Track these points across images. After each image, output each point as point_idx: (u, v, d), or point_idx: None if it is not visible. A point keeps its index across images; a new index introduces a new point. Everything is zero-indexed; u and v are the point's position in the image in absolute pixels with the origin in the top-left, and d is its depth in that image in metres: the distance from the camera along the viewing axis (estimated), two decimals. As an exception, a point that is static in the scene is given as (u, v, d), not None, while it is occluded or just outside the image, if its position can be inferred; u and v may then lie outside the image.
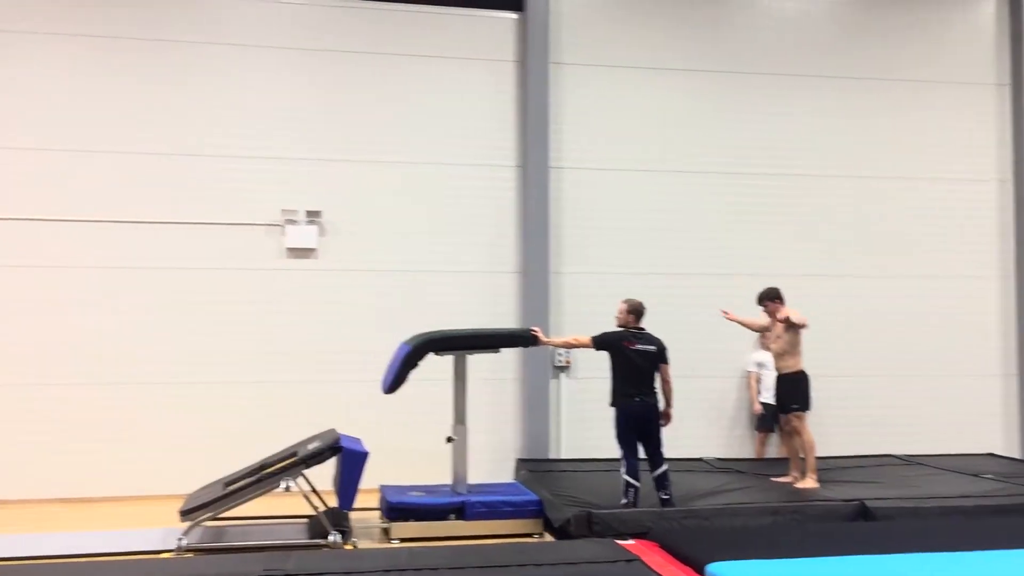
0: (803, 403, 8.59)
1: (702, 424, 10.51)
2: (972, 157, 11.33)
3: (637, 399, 7.59)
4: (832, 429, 10.59)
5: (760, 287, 9.48)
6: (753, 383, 10.35)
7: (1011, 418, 11.18)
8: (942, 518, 7.26)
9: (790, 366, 8.55)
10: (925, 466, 9.53)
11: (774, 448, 10.39)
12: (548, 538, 7.46)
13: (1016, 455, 10.83)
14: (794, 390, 8.58)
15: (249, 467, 7.74)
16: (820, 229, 10.94)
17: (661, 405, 7.79)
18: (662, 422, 7.76)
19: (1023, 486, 8.26)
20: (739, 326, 9.22)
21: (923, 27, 11.31)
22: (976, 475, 8.91)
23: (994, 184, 11.37)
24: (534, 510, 7.68)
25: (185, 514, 7.05)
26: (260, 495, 7.20)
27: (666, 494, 7.52)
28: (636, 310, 7.85)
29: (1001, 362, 11.24)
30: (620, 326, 7.87)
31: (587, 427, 10.33)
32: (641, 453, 7.68)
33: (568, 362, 10.32)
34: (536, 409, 10.10)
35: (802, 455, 8.61)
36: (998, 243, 11.33)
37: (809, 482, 8.41)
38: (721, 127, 10.80)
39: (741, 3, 10.98)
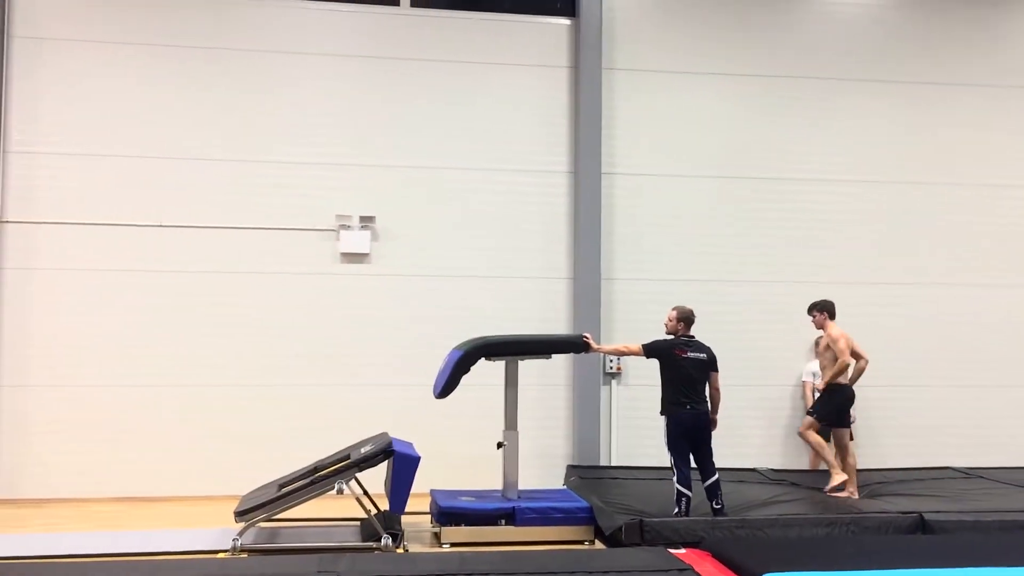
0: (824, 414, 8.62)
1: (756, 434, 10.40)
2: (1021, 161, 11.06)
3: (688, 407, 7.56)
4: (892, 440, 10.47)
5: (812, 294, 9.47)
6: (808, 392, 10.20)
7: (1074, 431, 10.88)
8: (1003, 533, 7.09)
9: (829, 380, 8.56)
10: (986, 479, 9.31)
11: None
12: (599, 546, 7.44)
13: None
14: (827, 401, 8.62)
15: (303, 469, 7.84)
16: (874, 236, 10.76)
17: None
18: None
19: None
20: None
21: (982, 29, 11.08)
22: (1037, 489, 8.68)
23: (1057, 190, 11.09)
24: (585, 517, 7.65)
25: (240, 515, 7.16)
26: (314, 497, 7.28)
27: (718, 504, 7.46)
28: (686, 318, 7.82)
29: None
30: (670, 333, 7.85)
31: (638, 434, 10.29)
32: (692, 463, 7.63)
33: (619, 369, 10.27)
34: (587, 415, 10.07)
35: (823, 465, 8.76)
36: (1060, 251, 11.04)
37: (836, 479, 8.47)
38: (773, 132, 10.68)
39: (793, 8, 10.85)
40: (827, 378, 8.61)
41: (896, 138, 10.88)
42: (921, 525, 7.23)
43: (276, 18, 10.07)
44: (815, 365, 10.09)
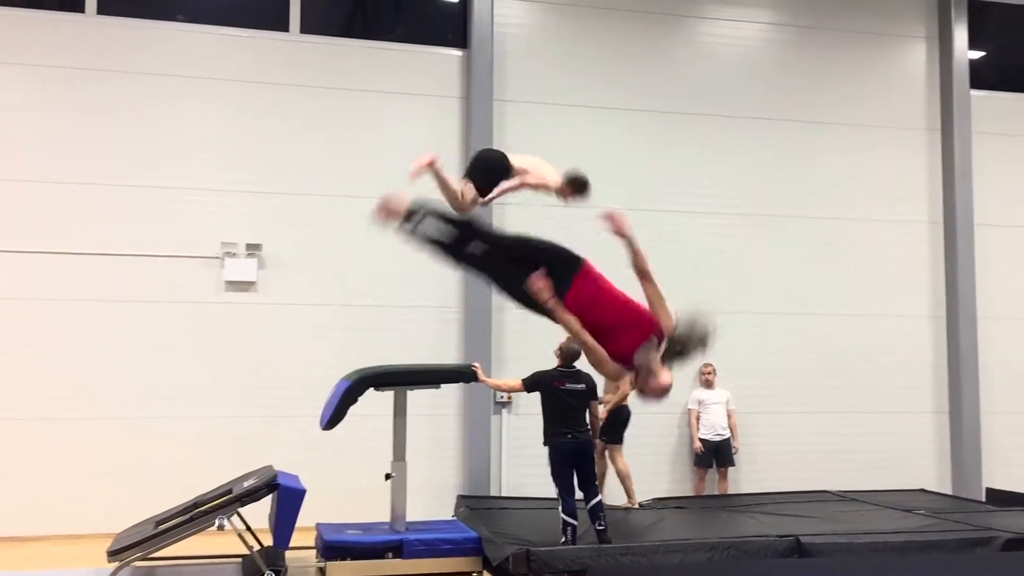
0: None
1: (644, 461, 10.55)
2: (906, 199, 11.67)
3: (569, 436, 7.64)
4: (770, 465, 10.76)
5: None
6: (693, 420, 10.44)
7: (943, 454, 11.42)
8: (874, 554, 7.36)
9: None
10: (859, 502, 9.67)
11: (713, 484, 10.48)
12: (486, 577, 7.41)
13: (947, 491, 11.05)
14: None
15: (182, 505, 7.58)
16: (756, 267, 11.13)
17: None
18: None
19: (953, 522, 8.41)
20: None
21: (860, 72, 11.67)
22: (908, 511, 9.06)
23: (926, 226, 11.69)
24: (473, 548, 7.60)
25: (113, 554, 6.86)
26: (193, 534, 7.03)
27: (601, 525, 7.52)
28: (567, 353, 7.94)
29: (933, 400, 11.50)
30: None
31: (528, 464, 10.29)
32: (578, 492, 7.69)
33: (510, 399, 10.30)
34: (477, 445, 10.06)
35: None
36: (930, 283, 11.63)
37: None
38: (662, 166, 10.97)
39: (685, 45, 11.21)
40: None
41: (776, 173, 11.31)
42: (798, 548, 7.44)
43: (164, 40, 9.85)
44: (701, 393, 10.38)
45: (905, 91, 11.81)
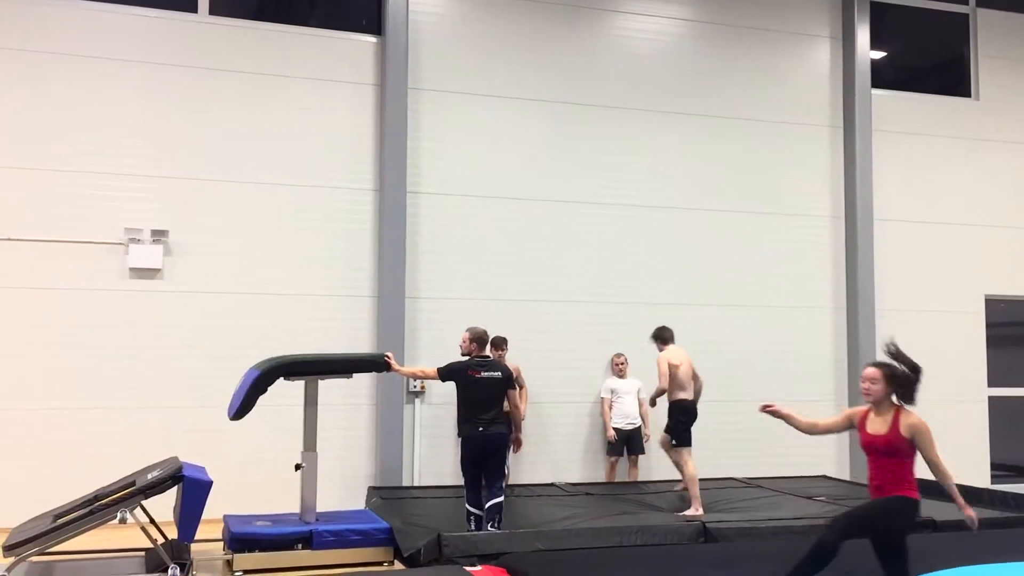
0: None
1: (559, 448, 10.67)
2: (809, 193, 12.02)
3: (480, 428, 7.61)
4: (696, 453, 10.94)
5: (610, 314, 10.20)
6: (606, 409, 10.58)
7: (842, 440, 11.80)
8: (776, 538, 7.60)
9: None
10: (764, 488, 9.97)
11: (623, 472, 10.65)
12: (398, 566, 7.38)
13: (846, 477, 11.45)
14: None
15: (83, 498, 7.34)
16: (665, 259, 11.32)
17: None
18: (512, 448, 7.84)
19: (850, 506, 8.70)
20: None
21: (766, 69, 11.96)
22: (810, 497, 9.38)
23: (829, 220, 12.07)
24: (384, 538, 7.55)
25: (9, 548, 6.60)
26: (94, 527, 6.81)
27: (494, 526, 7.51)
28: (479, 338, 7.89)
29: (834, 387, 11.89)
30: (464, 354, 7.91)
31: (442, 453, 10.33)
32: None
33: (423, 388, 10.28)
34: (390, 435, 10.00)
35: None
36: (831, 275, 12.02)
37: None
38: (577, 157, 11.06)
39: (598, 37, 11.31)
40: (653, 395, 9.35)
41: (685, 166, 11.51)
42: (704, 533, 7.63)
43: (68, 19, 9.49)
44: (613, 382, 10.54)
45: (810, 88, 12.16)
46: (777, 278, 11.76)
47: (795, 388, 11.60)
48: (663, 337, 9.21)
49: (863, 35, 12.17)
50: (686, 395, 8.96)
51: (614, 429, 10.47)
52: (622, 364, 10.59)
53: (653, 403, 9.63)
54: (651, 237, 11.30)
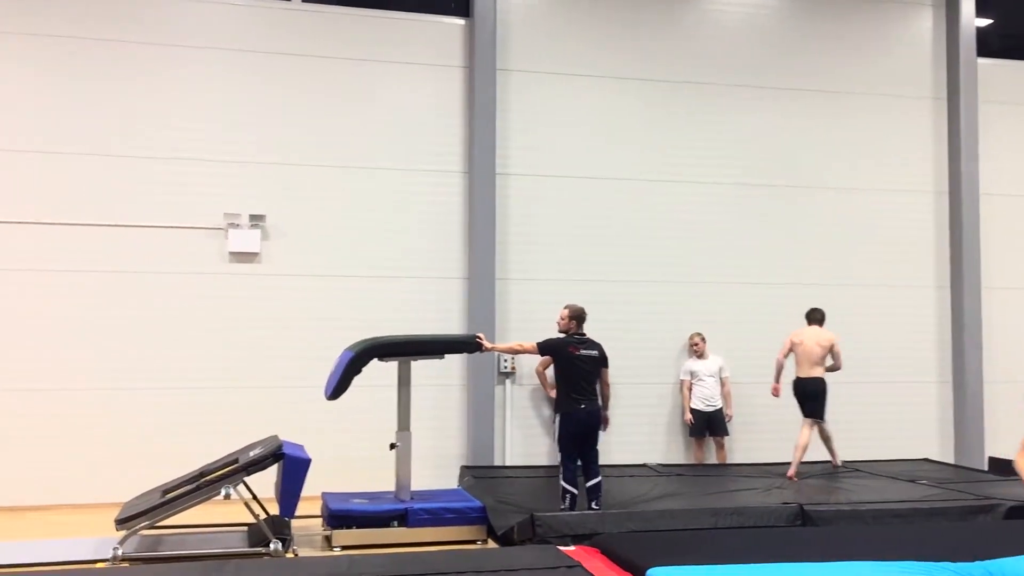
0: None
1: (640, 430, 10.60)
2: (911, 169, 11.60)
3: (583, 405, 7.64)
4: (774, 435, 10.77)
5: (698, 295, 10.57)
6: (686, 391, 10.45)
7: (946, 424, 11.43)
8: (878, 522, 7.40)
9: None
10: (863, 472, 9.70)
11: (711, 454, 10.53)
12: (492, 545, 7.45)
13: (950, 460, 11.08)
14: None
15: (189, 474, 7.61)
16: (760, 238, 11.10)
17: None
18: (601, 428, 7.84)
19: (956, 491, 8.45)
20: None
21: (866, 40, 11.56)
22: (912, 480, 9.10)
23: (931, 196, 11.64)
24: (477, 517, 7.66)
25: (121, 522, 6.90)
26: (199, 503, 7.08)
27: (597, 505, 7.56)
28: (578, 315, 7.91)
29: (937, 370, 11.50)
30: (562, 332, 7.92)
31: (532, 433, 10.37)
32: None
33: (514, 368, 10.32)
34: (481, 415, 10.08)
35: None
36: (934, 253, 11.60)
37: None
38: (665, 135, 10.91)
39: (687, 14, 11.11)
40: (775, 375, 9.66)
41: (786, 142, 11.24)
42: (801, 515, 7.47)
43: (167, 10, 9.77)
44: (693, 364, 10.41)
45: (911, 59, 11.71)
46: (876, 256, 11.41)
47: (897, 370, 11.28)
48: (808, 317, 9.81)
49: (968, 2, 11.64)
50: (799, 372, 9.54)
51: (693, 411, 10.34)
52: (698, 344, 10.42)
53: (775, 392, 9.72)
54: (740, 215, 11.08)
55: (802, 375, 9.56)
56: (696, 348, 10.43)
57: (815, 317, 9.76)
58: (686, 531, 7.01)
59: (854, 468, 9.89)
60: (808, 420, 9.53)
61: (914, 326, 11.47)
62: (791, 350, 9.64)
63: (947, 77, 11.72)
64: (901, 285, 11.47)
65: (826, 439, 9.78)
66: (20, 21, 9.39)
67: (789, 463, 9.61)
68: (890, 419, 11.22)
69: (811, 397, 9.50)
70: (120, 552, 6.71)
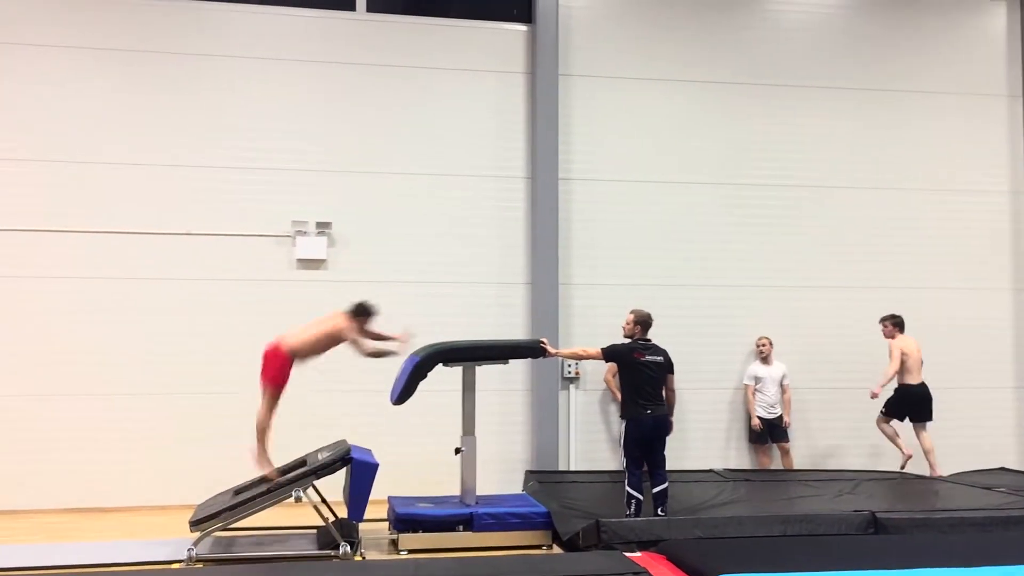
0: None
1: (701, 436, 10.51)
2: (985, 169, 11.31)
3: (648, 411, 7.61)
4: (847, 442, 10.60)
5: (768, 299, 10.19)
6: (750, 396, 10.32)
7: (1022, 432, 11.10)
8: (953, 531, 7.22)
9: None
10: (937, 479, 9.48)
11: (775, 460, 10.39)
12: (556, 550, 7.46)
13: (1029, 468, 10.76)
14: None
15: (260, 477, 7.76)
16: (829, 240, 10.92)
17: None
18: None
19: (1034, 499, 8.20)
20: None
21: (935, 38, 11.31)
22: (988, 488, 8.85)
23: (1007, 196, 11.33)
24: (542, 522, 7.67)
25: (195, 524, 7.07)
26: (271, 505, 7.23)
27: (662, 512, 7.51)
28: (643, 321, 7.88)
29: (1014, 375, 11.17)
30: (627, 337, 7.90)
31: (597, 438, 10.35)
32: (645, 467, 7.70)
33: (578, 373, 10.32)
34: (545, 420, 10.09)
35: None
36: (1011, 255, 11.28)
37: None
38: (730, 138, 10.81)
39: (750, 14, 11.00)
40: (883, 382, 9.75)
41: (855, 143, 11.05)
42: (874, 523, 7.33)
43: (232, 23, 10.00)
44: (757, 368, 10.28)
45: (983, 56, 11.41)
46: (952, 258, 11.14)
47: (973, 374, 11.00)
48: (902, 325, 9.94)
49: (1043, -3, 11.33)
50: (910, 379, 9.78)
51: (758, 418, 10.22)
52: (765, 346, 10.29)
53: (874, 396, 9.76)
54: (809, 218, 10.91)
55: (914, 382, 9.80)
56: (763, 351, 10.31)
57: (903, 324, 10.00)
58: (754, 538, 6.93)
59: (927, 477, 9.66)
60: (922, 424, 9.85)
61: (989, 330, 11.17)
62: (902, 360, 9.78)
63: (1022, 74, 11.39)
64: (976, 288, 11.18)
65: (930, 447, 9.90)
66: (90, 37, 9.67)
67: (859, 471, 9.43)
68: (966, 427, 10.93)
69: (928, 401, 9.83)
70: (195, 553, 6.88)
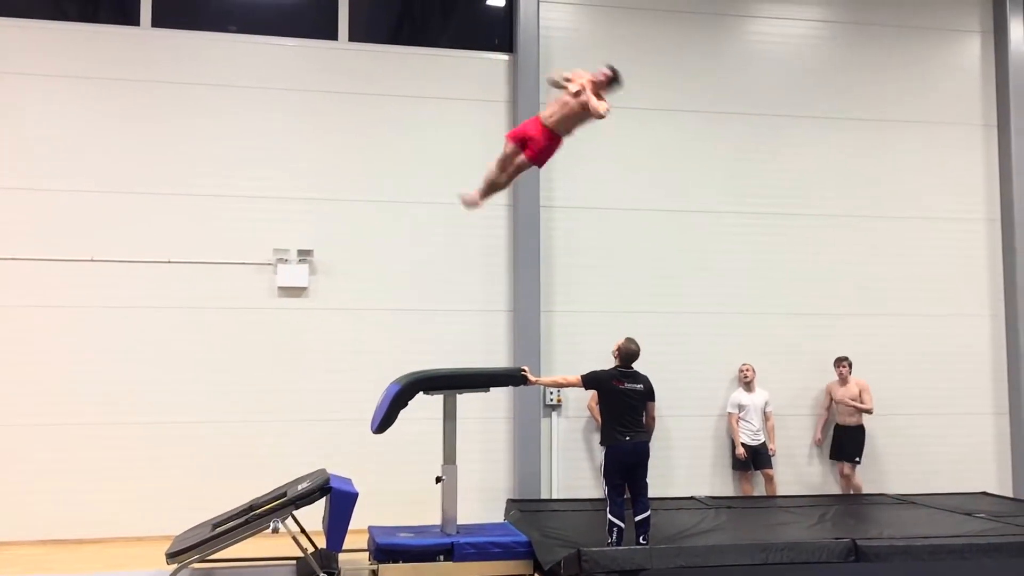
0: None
1: (684, 464, 10.51)
2: (962, 196, 11.45)
3: (627, 438, 7.59)
4: (829, 468, 10.62)
5: (749, 326, 10.16)
6: (734, 424, 10.33)
7: (1003, 456, 11.16)
8: (934, 558, 7.22)
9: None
10: (917, 505, 9.49)
11: (759, 487, 10.39)
12: (538, 580, 7.40)
13: (1008, 494, 10.79)
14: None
15: (238, 508, 7.69)
16: (810, 268, 10.99)
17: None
18: None
19: (1015, 525, 8.22)
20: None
21: (913, 68, 11.47)
22: (968, 514, 8.87)
23: (983, 223, 11.46)
24: (524, 551, 7.60)
25: (172, 556, 6.97)
26: (249, 536, 7.12)
27: (644, 540, 7.47)
28: (625, 351, 7.89)
29: (992, 400, 11.25)
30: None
31: (579, 466, 10.33)
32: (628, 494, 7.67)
33: (560, 400, 10.30)
34: (527, 448, 10.06)
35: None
36: (988, 282, 11.39)
37: None
38: (712, 167, 10.89)
39: (730, 44, 11.12)
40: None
41: (835, 171, 11.16)
42: (854, 551, 7.31)
43: (215, 51, 10.03)
44: (740, 396, 10.30)
45: (960, 86, 11.59)
46: (929, 285, 11.24)
47: (953, 401, 11.05)
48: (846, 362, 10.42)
49: (1017, 28, 11.53)
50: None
51: (742, 445, 10.23)
52: (748, 373, 10.33)
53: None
54: (791, 245, 10.99)
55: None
56: (746, 377, 10.34)
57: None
58: (736, 566, 6.91)
59: (909, 501, 9.68)
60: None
61: (968, 357, 11.25)
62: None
63: (997, 104, 11.57)
64: (955, 314, 11.28)
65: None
66: (68, 65, 9.68)
67: (842, 495, 9.44)
68: (946, 452, 10.98)
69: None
70: (171, 585, 6.78)
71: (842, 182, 11.18)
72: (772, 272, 10.90)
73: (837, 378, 10.49)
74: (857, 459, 10.33)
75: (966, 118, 11.55)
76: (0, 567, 8.07)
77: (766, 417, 10.35)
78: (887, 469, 10.72)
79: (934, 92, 11.50)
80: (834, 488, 10.57)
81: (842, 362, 10.45)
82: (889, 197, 11.26)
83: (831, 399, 10.57)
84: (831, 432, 10.62)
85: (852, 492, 10.29)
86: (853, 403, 10.31)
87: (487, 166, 7.32)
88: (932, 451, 10.94)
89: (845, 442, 10.40)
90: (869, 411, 10.31)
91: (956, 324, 11.25)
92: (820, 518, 8.70)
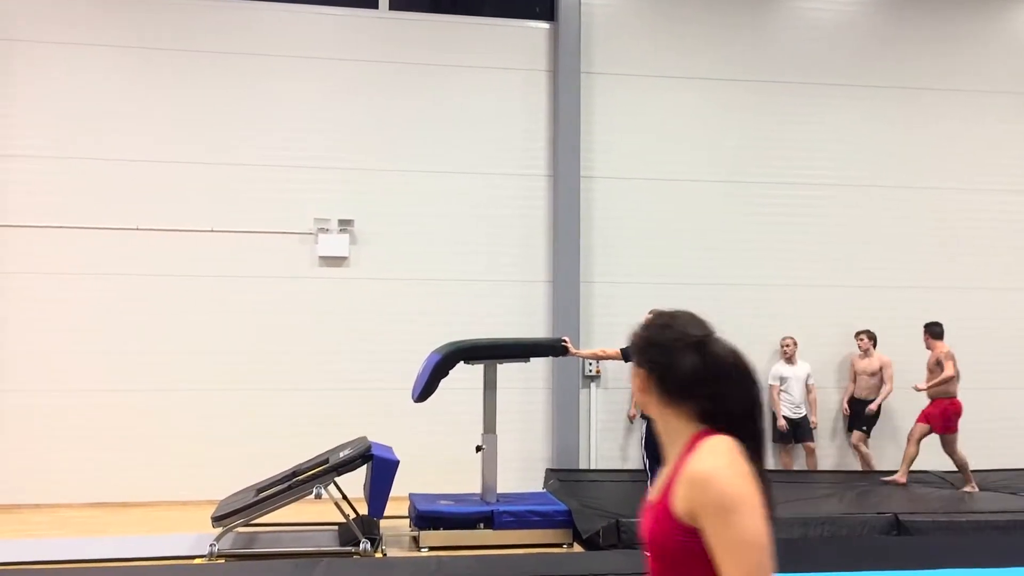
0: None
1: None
2: (1016, 167, 11.15)
3: (668, 409, 7.57)
4: (874, 443, 10.50)
5: (790, 298, 9.90)
6: (775, 396, 10.24)
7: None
8: (976, 534, 7.16)
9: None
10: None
11: (799, 460, 10.32)
12: (577, 549, 7.45)
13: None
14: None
15: (281, 474, 7.82)
16: (854, 239, 10.82)
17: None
18: None
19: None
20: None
21: (961, 36, 11.17)
22: (1015, 492, 8.77)
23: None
24: (563, 520, 7.66)
25: (217, 520, 7.12)
26: (292, 502, 7.27)
27: None
28: None
29: (1032, 376, 11.04)
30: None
31: (618, 437, 10.33)
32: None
33: (599, 372, 10.30)
34: (566, 419, 10.08)
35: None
36: (1038, 254, 11.14)
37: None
38: (754, 136, 10.73)
39: (774, 12, 10.92)
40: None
41: (879, 142, 10.93)
42: (896, 526, 7.28)
43: (254, 21, 10.04)
44: (781, 368, 10.20)
45: (1012, 54, 11.27)
46: (981, 258, 10.96)
47: (998, 374, 10.83)
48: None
49: (1073, -8, 11.17)
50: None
51: (784, 419, 10.15)
52: (789, 347, 10.23)
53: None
54: (831, 217, 10.80)
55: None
56: (787, 351, 10.24)
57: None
58: (776, 540, 6.88)
59: (954, 479, 9.57)
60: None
61: (1020, 330, 11.01)
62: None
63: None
64: (1009, 287, 11.02)
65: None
66: (112, 34, 9.73)
67: (884, 471, 9.38)
68: (992, 428, 10.79)
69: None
70: (216, 548, 6.93)
71: (891, 153, 10.94)
72: (817, 243, 10.74)
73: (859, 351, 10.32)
74: (865, 428, 10.10)
75: (1019, 86, 11.24)
76: (53, 528, 8.28)
77: (808, 390, 10.26)
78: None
79: (986, 61, 11.14)
80: (883, 465, 10.41)
81: (861, 335, 10.22)
82: (940, 168, 11.01)
83: (854, 372, 10.41)
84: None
85: (862, 466, 10.11)
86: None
87: None
88: (978, 427, 10.71)
89: (859, 412, 10.20)
90: (888, 390, 10.07)
91: (1009, 297, 11.00)
92: (861, 492, 8.65)
